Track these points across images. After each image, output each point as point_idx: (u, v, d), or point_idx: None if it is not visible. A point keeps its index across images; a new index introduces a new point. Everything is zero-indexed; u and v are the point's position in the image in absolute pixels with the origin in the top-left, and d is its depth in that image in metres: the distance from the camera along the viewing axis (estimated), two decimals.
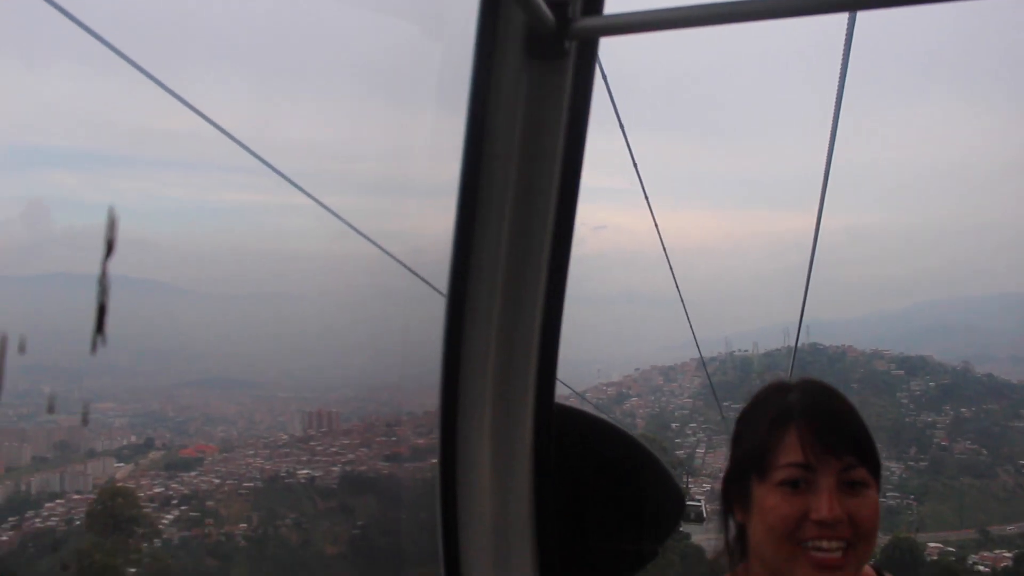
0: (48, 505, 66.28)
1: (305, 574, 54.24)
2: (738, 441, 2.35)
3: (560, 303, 3.05)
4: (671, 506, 3.37)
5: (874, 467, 2.16)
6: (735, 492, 2.31)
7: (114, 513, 38.61)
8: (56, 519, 63.51)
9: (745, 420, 2.35)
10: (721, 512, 2.38)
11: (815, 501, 2.08)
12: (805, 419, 2.17)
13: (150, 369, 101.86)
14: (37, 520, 64.92)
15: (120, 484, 50.54)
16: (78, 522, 63.60)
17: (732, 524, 2.36)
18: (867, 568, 2.34)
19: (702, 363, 55.76)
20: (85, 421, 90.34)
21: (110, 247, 1.54)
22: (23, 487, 71.32)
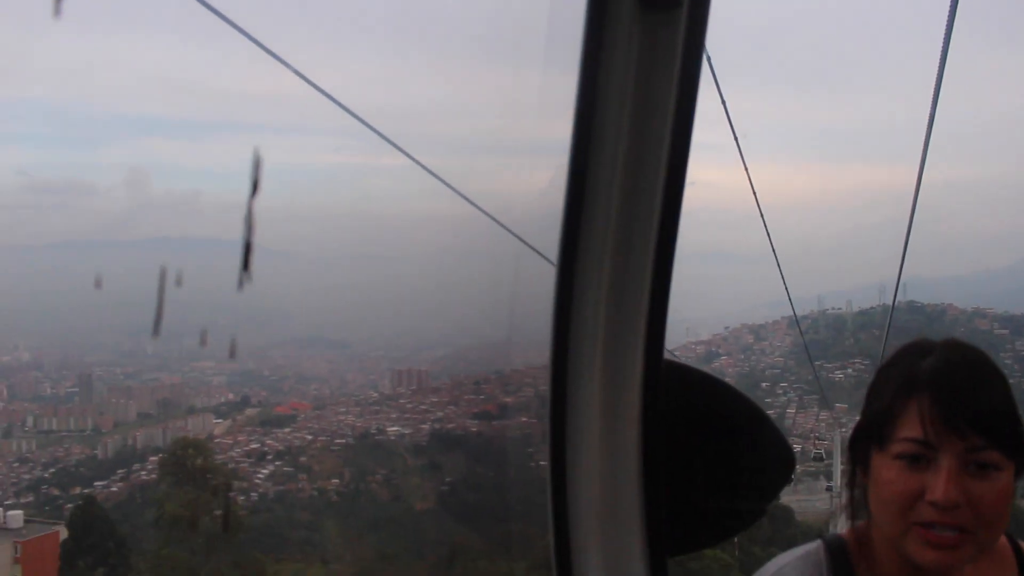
0: (152, 459, 68.99)
1: (395, 529, 55.16)
2: (869, 399, 2.16)
3: (670, 260, 2.76)
4: (780, 464, 3.15)
5: (1013, 449, 1.91)
6: (858, 453, 2.14)
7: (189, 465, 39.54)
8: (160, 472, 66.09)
9: (877, 381, 2.15)
10: (848, 468, 2.22)
11: (933, 480, 1.88)
12: (931, 391, 1.95)
13: (247, 329, 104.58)
14: (143, 472, 67.68)
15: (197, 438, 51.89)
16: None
17: (857, 481, 2.19)
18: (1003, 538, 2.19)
19: (795, 321, 54.19)
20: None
21: (255, 186, 1.61)
22: (129, 441, 74.40)
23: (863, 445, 2.11)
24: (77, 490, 67.24)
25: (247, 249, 1.72)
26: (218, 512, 39.97)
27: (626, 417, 2.83)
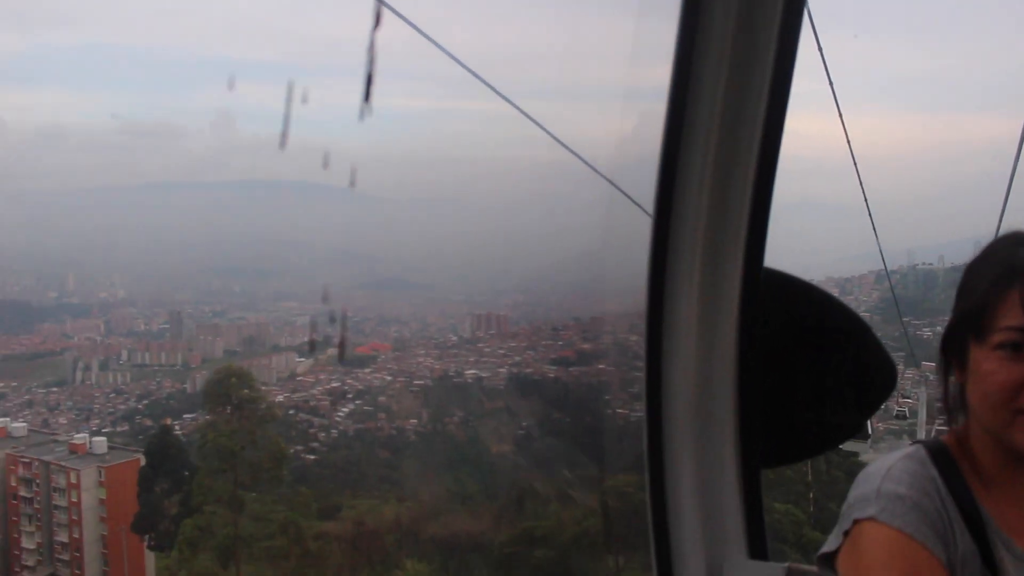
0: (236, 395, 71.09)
1: (470, 470, 55.76)
2: (960, 295, 2.14)
3: (767, 202, 3.04)
4: (882, 377, 3.23)
5: None
6: (953, 350, 2.12)
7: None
8: None
9: (970, 273, 2.13)
10: (939, 368, 2.20)
11: None
12: None
13: (331, 271, 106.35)
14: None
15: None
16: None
17: (951, 382, 2.18)
18: None
19: (885, 275, 52.62)
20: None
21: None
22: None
23: (958, 342, 2.07)
24: (168, 421, 69.87)
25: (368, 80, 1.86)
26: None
27: (724, 325, 3.09)
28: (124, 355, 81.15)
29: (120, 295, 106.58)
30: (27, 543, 43.12)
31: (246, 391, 38.44)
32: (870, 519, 1.94)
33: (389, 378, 66.08)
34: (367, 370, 67.98)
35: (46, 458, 43.72)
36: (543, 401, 63.60)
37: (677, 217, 3.05)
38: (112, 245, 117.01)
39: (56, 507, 42.49)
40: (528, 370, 65.00)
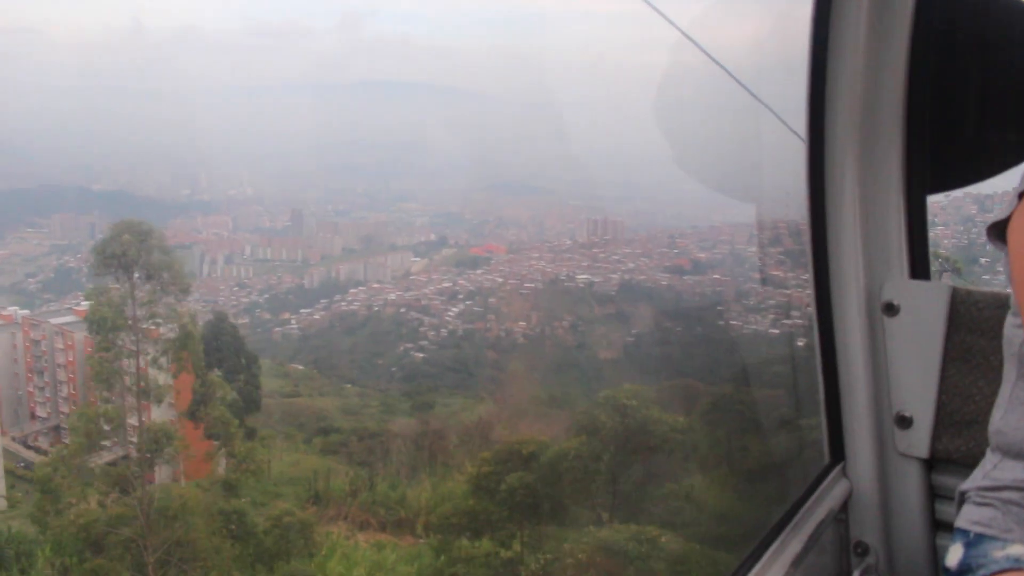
0: (352, 291, 72.34)
1: (577, 374, 55.34)
2: None
3: None
4: None
5: None
6: None
7: None
8: (357, 304, 69.32)
9: None
10: None
11: None
12: None
13: (452, 173, 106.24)
14: (343, 303, 71.21)
15: None
16: (376, 307, 69.01)
17: None
18: None
19: None
20: None
21: None
22: (333, 274, 78.17)
23: None
24: (286, 315, 71.81)
25: None
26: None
27: (895, 35, 2.96)
28: (247, 250, 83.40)
29: (249, 192, 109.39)
30: (103, 424, 44.14)
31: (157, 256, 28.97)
32: None
33: (500, 280, 65.79)
34: (479, 271, 67.84)
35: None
36: (654, 309, 62.33)
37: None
38: (242, 144, 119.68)
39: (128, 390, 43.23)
40: (641, 277, 63.65)
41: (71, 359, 44.23)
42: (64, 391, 44.60)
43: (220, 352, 34.12)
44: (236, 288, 76.83)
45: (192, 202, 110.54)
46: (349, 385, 48.24)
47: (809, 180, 3.21)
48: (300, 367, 51.94)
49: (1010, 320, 2.44)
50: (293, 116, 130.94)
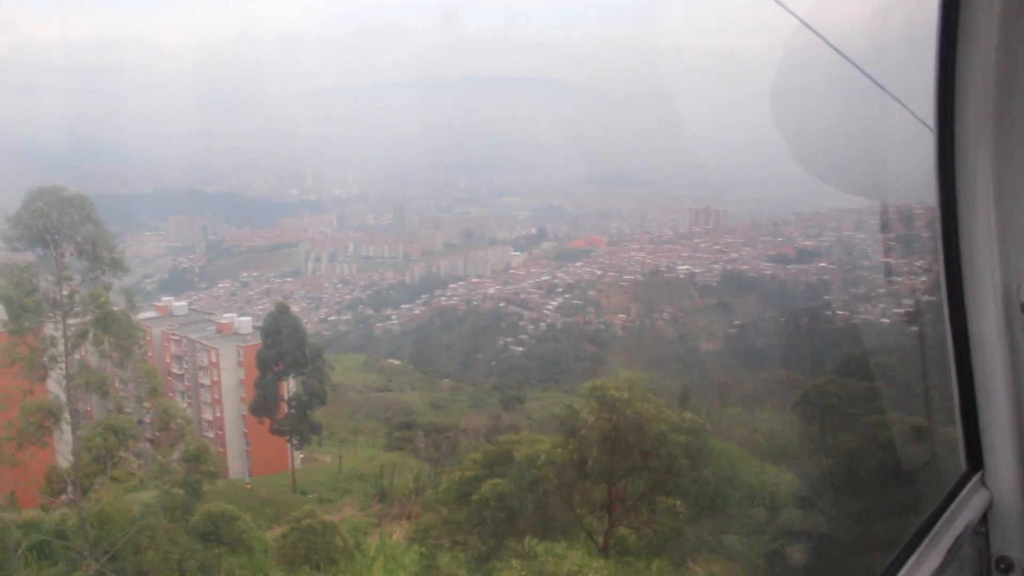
0: (451, 286, 72.67)
1: (678, 367, 54.11)
2: None
3: None
4: None
5: None
6: None
7: None
8: (457, 299, 69.55)
9: None
10: None
11: None
12: None
13: (553, 166, 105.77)
14: (443, 298, 71.58)
15: None
16: (475, 302, 69.10)
17: None
18: None
19: None
20: None
21: None
22: (434, 269, 78.71)
23: None
24: (387, 310, 72.68)
25: None
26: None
27: None
28: (351, 247, 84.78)
29: (353, 191, 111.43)
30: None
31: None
32: None
33: (599, 272, 65.01)
34: (578, 264, 67.22)
35: (193, 336, 44.12)
36: (758, 299, 60.56)
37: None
38: (347, 144, 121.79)
39: (202, 385, 43.49)
40: (743, 267, 61.99)
41: (150, 354, 45.38)
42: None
43: (280, 346, 33.52)
44: (340, 285, 78.14)
45: (300, 202, 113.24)
46: (445, 380, 48.17)
47: (938, 171, 3.07)
48: (396, 362, 52.27)
49: None
50: (396, 114, 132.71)
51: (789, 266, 60.45)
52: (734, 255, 64.92)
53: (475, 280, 71.91)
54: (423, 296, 71.46)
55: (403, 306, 70.80)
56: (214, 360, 40.94)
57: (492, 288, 68.14)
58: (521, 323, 61.99)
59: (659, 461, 16.54)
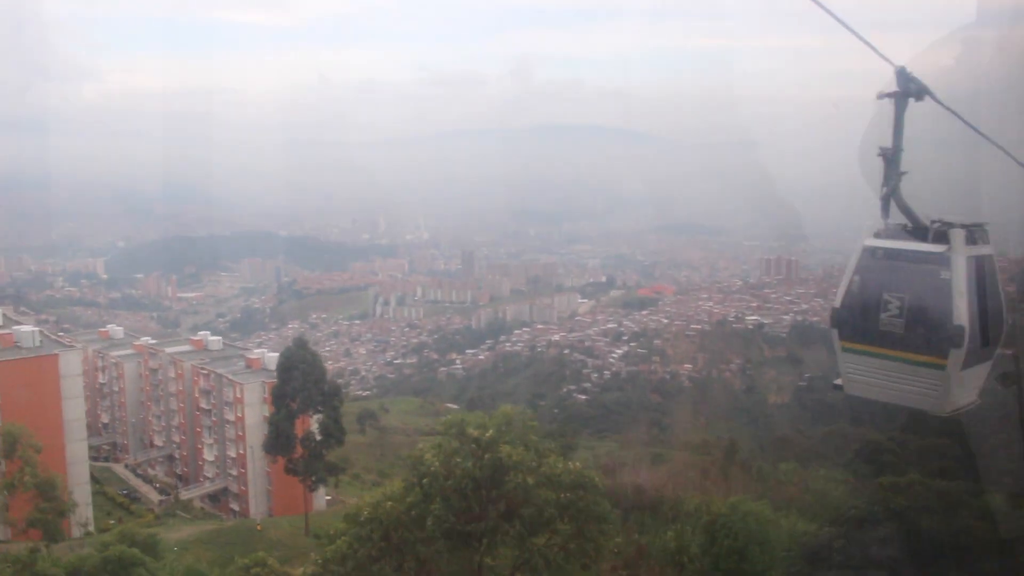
0: (516, 332, 72.45)
1: (745, 420, 52.75)
2: None
3: None
4: None
5: None
6: None
7: None
8: (521, 344, 69.23)
9: None
10: None
11: None
12: None
13: (625, 214, 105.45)
14: (507, 344, 71.36)
15: None
16: (540, 349, 68.61)
17: None
18: None
19: None
20: None
21: None
22: (500, 314, 78.66)
23: None
24: (452, 355, 72.67)
25: None
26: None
27: None
28: (419, 292, 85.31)
29: (424, 236, 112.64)
30: (207, 455, 44.20)
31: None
32: None
33: (666, 320, 64.11)
34: (645, 312, 66.42)
35: (220, 371, 43.22)
36: (828, 351, 58.96)
37: None
38: (420, 190, 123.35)
39: (227, 421, 42.54)
40: (815, 318, 60.49)
41: (181, 388, 44.76)
42: (176, 420, 45.45)
43: (295, 381, 31.95)
44: (407, 328, 78.60)
45: (372, 246, 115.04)
46: None
47: None
48: (454, 406, 51.87)
49: None
50: (469, 162, 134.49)
51: None
52: (804, 306, 63.62)
53: (540, 326, 71.68)
54: (488, 341, 71.42)
55: (468, 351, 70.79)
56: (239, 396, 40.55)
57: (557, 335, 67.75)
58: (585, 371, 61.36)
59: (521, 524, 11.95)
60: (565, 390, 60.99)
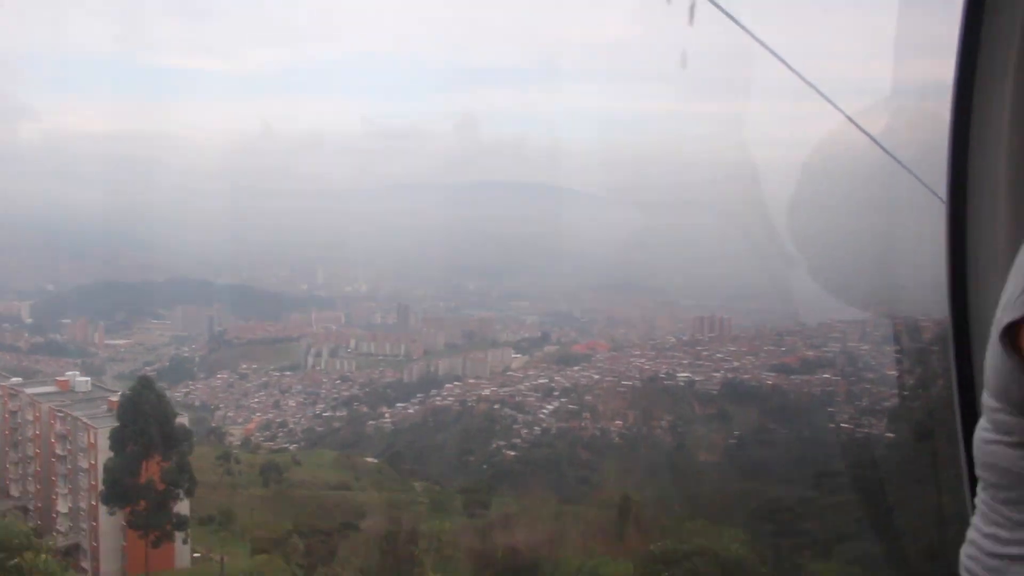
0: (447, 386, 71.53)
1: (674, 477, 52.45)
2: None
3: None
4: None
5: None
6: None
7: None
8: (452, 399, 68.30)
9: None
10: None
11: None
12: None
13: (564, 272, 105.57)
14: (438, 398, 70.39)
15: None
16: (470, 403, 67.75)
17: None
18: None
19: None
20: None
21: None
22: (433, 368, 77.72)
23: None
24: (383, 408, 71.48)
25: None
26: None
27: None
28: (352, 344, 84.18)
29: (363, 289, 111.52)
30: (61, 506, 40.72)
31: None
32: None
33: (597, 376, 63.77)
34: (577, 368, 66.05)
35: (76, 414, 40.14)
36: (759, 410, 59.02)
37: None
38: (361, 242, 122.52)
39: (81, 469, 39.03)
40: (745, 376, 60.67)
41: (38, 432, 42.12)
42: (32, 467, 42.64)
43: (137, 424, 29.01)
44: (338, 381, 77.26)
45: (309, 297, 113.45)
46: (418, 482, 46.33)
47: (949, 244, 2.90)
48: (374, 460, 50.72)
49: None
50: (410, 216, 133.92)
51: (792, 376, 59.36)
52: (735, 364, 63.78)
53: (472, 381, 70.76)
54: (419, 395, 70.33)
55: (398, 404, 69.62)
56: (92, 441, 37.35)
57: (488, 389, 66.92)
58: (515, 426, 60.54)
59: None
60: (495, 445, 60.08)
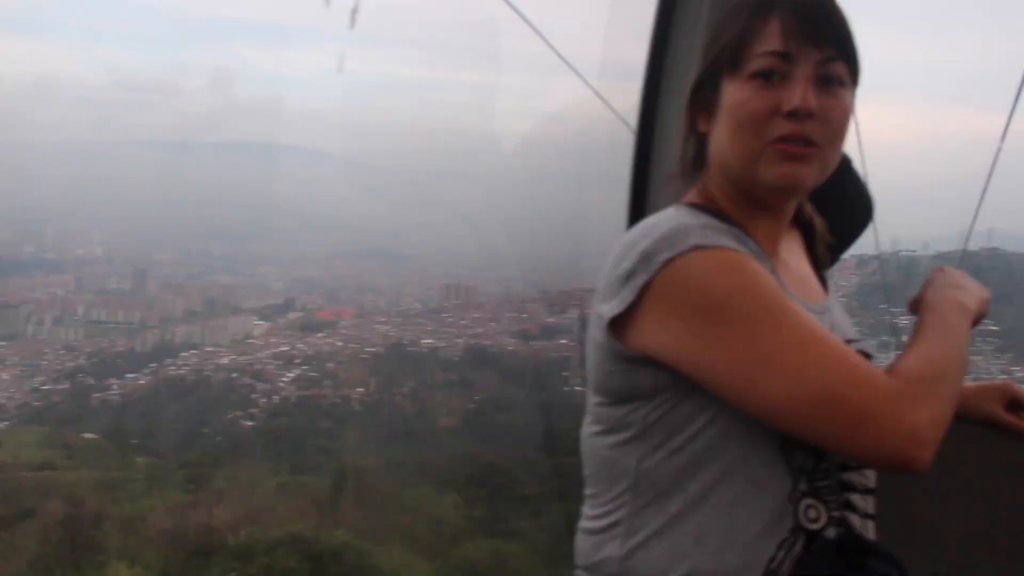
0: (183, 354, 68.36)
1: (413, 443, 52.89)
2: (715, 38, 2.13)
3: None
4: (861, 210, 3.32)
5: (853, 66, 2.05)
6: (703, 98, 2.15)
7: None
8: (187, 368, 65.32)
9: (726, 14, 2.14)
10: (685, 126, 2.22)
11: (789, 92, 1.99)
12: (789, 5, 2.03)
13: (315, 237, 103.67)
14: (172, 367, 67.12)
15: None
16: (207, 372, 65.12)
17: (692, 140, 2.25)
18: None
19: (870, 260, 48.71)
20: None
21: None
22: (169, 336, 74.02)
23: (708, 86, 2.08)
24: (111, 380, 67.21)
25: None
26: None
27: None
28: (80, 311, 78.65)
29: (98, 252, 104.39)
30: None
31: None
32: (693, 249, 1.80)
33: (340, 344, 63.04)
34: (321, 335, 64.96)
35: None
36: (499, 375, 60.52)
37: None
38: (97, 201, 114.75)
39: None
40: (487, 342, 62.03)
41: None
42: None
43: None
44: (62, 351, 71.94)
45: (35, 260, 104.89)
46: (140, 457, 43.81)
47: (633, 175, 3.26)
48: (91, 436, 47.52)
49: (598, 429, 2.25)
50: (153, 175, 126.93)
51: (531, 342, 61.30)
52: (479, 330, 65.11)
53: (210, 349, 68.09)
54: (152, 365, 66.82)
55: (128, 375, 65.77)
56: None
57: (227, 358, 64.65)
58: (253, 395, 58.82)
59: None
60: (231, 416, 58.15)
